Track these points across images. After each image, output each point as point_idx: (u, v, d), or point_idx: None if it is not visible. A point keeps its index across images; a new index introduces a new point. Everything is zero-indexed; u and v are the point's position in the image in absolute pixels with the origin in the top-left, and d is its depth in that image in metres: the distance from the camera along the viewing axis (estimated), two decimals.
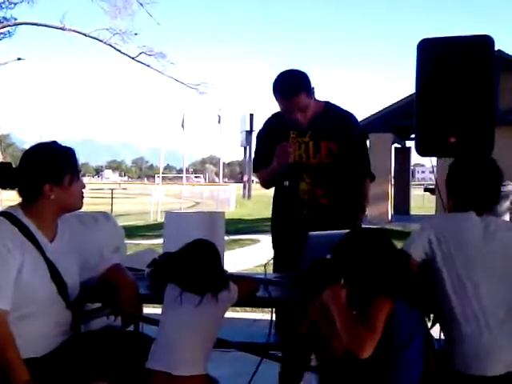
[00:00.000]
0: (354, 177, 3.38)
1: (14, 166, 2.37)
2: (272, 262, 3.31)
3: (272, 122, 3.46)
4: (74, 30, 16.88)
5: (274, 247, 3.47)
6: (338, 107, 3.42)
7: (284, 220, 3.38)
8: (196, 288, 2.30)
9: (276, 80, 3.25)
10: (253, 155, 3.71)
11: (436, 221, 2.57)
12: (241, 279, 2.55)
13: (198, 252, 2.38)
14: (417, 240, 2.35)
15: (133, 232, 14.50)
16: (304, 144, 3.27)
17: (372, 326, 2.01)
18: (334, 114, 3.36)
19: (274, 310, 2.82)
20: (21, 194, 2.36)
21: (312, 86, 3.23)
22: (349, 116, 3.41)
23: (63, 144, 2.45)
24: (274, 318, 2.73)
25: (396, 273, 2.11)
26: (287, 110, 3.23)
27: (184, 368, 2.24)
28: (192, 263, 2.35)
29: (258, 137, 3.54)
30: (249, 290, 2.51)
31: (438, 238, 2.29)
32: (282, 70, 3.28)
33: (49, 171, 2.31)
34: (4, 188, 2.38)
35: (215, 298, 2.29)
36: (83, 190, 2.45)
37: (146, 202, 25.65)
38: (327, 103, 3.39)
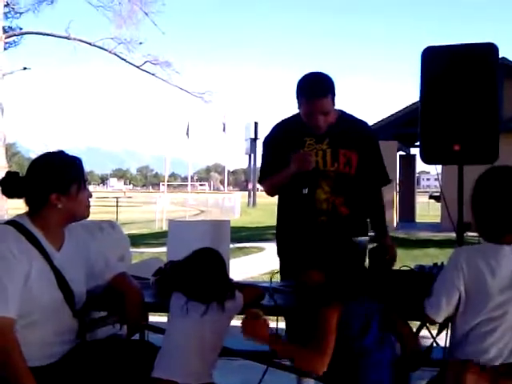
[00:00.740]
0: (374, 185, 3.35)
1: (20, 175, 2.39)
2: (279, 270, 3.24)
3: (284, 127, 3.33)
4: (79, 39, 16.95)
5: (280, 255, 3.36)
6: (353, 116, 3.36)
7: (297, 228, 3.21)
8: (202, 297, 2.30)
9: (303, 80, 3.15)
10: (258, 163, 3.62)
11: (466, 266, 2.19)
12: (246, 287, 2.55)
13: (204, 261, 2.38)
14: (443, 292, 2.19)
15: (138, 240, 14.51)
16: (322, 151, 3.16)
17: (323, 347, 2.09)
18: (350, 123, 3.29)
19: (278, 318, 2.81)
20: (27, 203, 2.37)
21: (336, 92, 3.14)
22: (365, 124, 3.38)
23: (69, 153, 2.46)
24: (279, 326, 2.72)
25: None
26: (311, 111, 3.09)
27: (190, 377, 2.24)
28: (198, 272, 2.35)
29: (266, 144, 3.37)
30: (254, 297, 2.51)
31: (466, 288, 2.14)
32: (308, 72, 3.19)
33: (55, 180, 2.32)
34: (11, 197, 2.37)
35: (221, 307, 2.30)
36: (90, 200, 2.46)
37: (151, 211, 25.69)
38: (342, 111, 3.31)
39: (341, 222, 3.15)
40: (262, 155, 3.40)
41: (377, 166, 3.36)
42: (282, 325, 3.31)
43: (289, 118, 3.32)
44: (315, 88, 3.08)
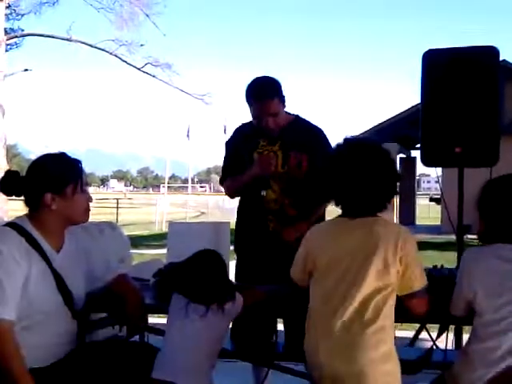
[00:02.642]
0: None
1: (21, 175, 2.39)
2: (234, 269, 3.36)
3: (241, 130, 3.48)
4: (80, 41, 16.94)
5: (237, 255, 3.48)
6: (308, 121, 3.42)
7: (249, 230, 3.39)
8: (202, 299, 2.30)
9: (250, 84, 3.28)
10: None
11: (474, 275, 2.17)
12: (246, 289, 2.55)
13: (205, 262, 2.38)
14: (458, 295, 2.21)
15: (138, 242, 14.50)
16: (273, 153, 3.29)
17: None
18: (303, 127, 3.37)
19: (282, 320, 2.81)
20: (26, 203, 2.37)
21: (284, 94, 3.27)
22: (318, 130, 3.40)
23: (70, 155, 2.45)
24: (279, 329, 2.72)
25: None
26: (259, 114, 3.22)
27: (189, 378, 2.24)
28: (198, 273, 2.34)
29: (226, 146, 3.53)
30: (255, 300, 2.51)
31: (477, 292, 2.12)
32: (256, 77, 3.32)
33: (50, 180, 2.31)
34: (9, 195, 2.37)
35: (221, 308, 2.29)
36: (89, 204, 2.44)
37: (152, 212, 25.66)
38: (297, 116, 3.41)
39: (289, 224, 3.23)
40: (223, 157, 3.55)
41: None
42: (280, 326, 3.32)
43: (247, 122, 3.44)
44: (262, 91, 3.22)
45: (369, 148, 2.22)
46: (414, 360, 2.70)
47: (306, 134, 3.32)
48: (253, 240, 3.36)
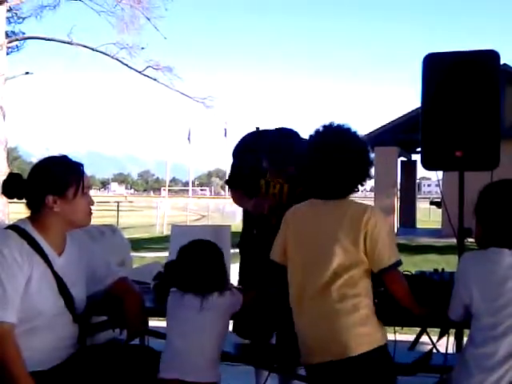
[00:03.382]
0: None
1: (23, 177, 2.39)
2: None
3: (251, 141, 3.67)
4: (81, 45, 16.94)
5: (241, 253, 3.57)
6: None
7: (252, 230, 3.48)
8: (196, 287, 2.30)
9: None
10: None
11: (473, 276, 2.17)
12: (247, 290, 2.56)
13: (196, 250, 2.38)
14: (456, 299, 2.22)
15: (139, 245, 14.49)
16: (279, 185, 3.31)
17: None
18: None
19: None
20: (28, 206, 2.38)
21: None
22: None
23: (71, 158, 2.46)
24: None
25: None
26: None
27: (196, 374, 2.24)
28: (190, 262, 2.35)
29: (233, 155, 3.68)
30: (254, 302, 2.51)
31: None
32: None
33: (52, 182, 2.32)
34: (10, 197, 2.38)
35: (218, 298, 2.30)
36: (91, 207, 2.44)
37: (152, 215, 25.67)
38: None
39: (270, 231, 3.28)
40: (233, 165, 3.67)
41: None
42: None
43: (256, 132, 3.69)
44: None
45: (341, 134, 2.32)
46: (412, 362, 2.71)
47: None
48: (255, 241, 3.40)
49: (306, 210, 2.36)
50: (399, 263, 2.23)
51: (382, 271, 2.21)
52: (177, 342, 2.30)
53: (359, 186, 2.32)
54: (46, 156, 2.48)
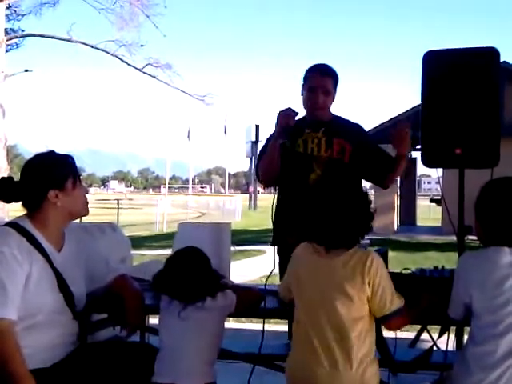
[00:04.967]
0: (380, 176, 3.52)
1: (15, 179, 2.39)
2: (278, 271, 3.24)
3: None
4: (80, 42, 16.94)
5: (279, 254, 3.41)
6: (349, 119, 3.58)
7: (291, 220, 3.26)
8: (183, 297, 2.30)
9: (314, 64, 3.47)
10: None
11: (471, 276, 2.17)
12: (242, 290, 2.55)
13: (182, 260, 2.38)
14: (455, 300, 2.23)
15: (139, 242, 14.50)
16: (317, 139, 3.38)
17: None
18: (344, 121, 3.54)
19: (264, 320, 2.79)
20: (26, 205, 2.38)
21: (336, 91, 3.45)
22: (359, 125, 3.58)
23: (70, 155, 2.47)
24: (265, 328, 2.69)
25: None
26: (315, 86, 3.36)
27: (190, 378, 2.24)
28: (176, 271, 2.35)
29: (268, 138, 3.52)
30: (251, 301, 2.51)
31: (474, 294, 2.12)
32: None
33: (51, 177, 2.34)
34: (8, 202, 2.40)
35: (210, 301, 2.30)
36: (87, 196, 2.48)
37: (152, 213, 25.64)
38: (338, 116, 3.54)
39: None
40: (263, 146, 3.55)
41: (380, 155, 3.53)
42: (278, 327, 3.31)
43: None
44: (322, 67, 3.45)
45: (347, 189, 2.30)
46: (411, 359, 2.71)
47: (348, 127, 3.50)
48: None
49: (311, 252, 2.27)
50: (403, 306, 2.19)
51: (383, 318, 2.18)
52: (170, 346, 2.30)
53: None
54: (34, 154, 2.48)
